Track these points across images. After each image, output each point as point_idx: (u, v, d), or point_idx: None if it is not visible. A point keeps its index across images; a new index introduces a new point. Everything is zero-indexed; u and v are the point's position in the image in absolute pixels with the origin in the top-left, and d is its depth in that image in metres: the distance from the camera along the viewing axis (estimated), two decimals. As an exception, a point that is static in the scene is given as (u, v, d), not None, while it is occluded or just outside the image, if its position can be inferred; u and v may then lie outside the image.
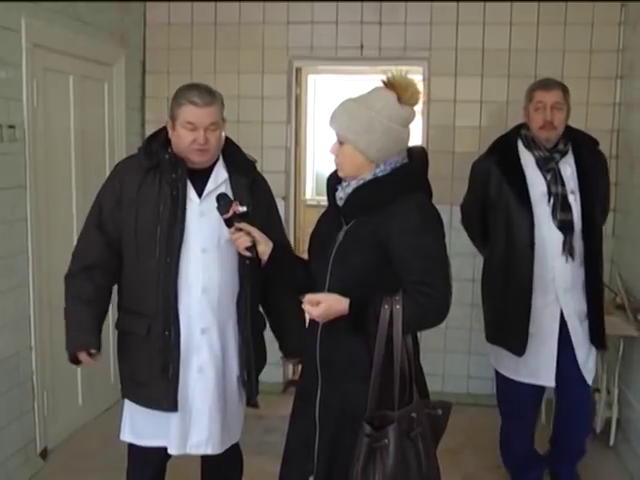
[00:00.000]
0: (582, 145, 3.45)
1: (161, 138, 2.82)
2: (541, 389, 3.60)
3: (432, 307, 2.26)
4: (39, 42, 3.91)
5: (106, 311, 2.88)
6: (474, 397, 5.10)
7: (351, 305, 2.28)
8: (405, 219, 2.28)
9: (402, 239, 2.27)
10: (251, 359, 2.90)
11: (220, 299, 2.80)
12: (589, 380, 3.47)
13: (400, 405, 2.28)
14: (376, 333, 2.24)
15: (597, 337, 3.45)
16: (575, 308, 3.42)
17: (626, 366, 4.14)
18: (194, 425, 2.81)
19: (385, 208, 2.31)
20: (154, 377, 2.75)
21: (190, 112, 2.68)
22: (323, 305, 2.29)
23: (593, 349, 3.48)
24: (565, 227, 3.36)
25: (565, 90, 3.45)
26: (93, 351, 2.77)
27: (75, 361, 2.81)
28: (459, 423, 4.44)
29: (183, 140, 2.71)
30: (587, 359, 3.45)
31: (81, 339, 2.77)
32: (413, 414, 2.28)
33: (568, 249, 3.35)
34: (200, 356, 2.79)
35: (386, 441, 2.23)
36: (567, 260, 3.36)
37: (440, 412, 2.37)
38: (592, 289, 3.43)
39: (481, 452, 4.32)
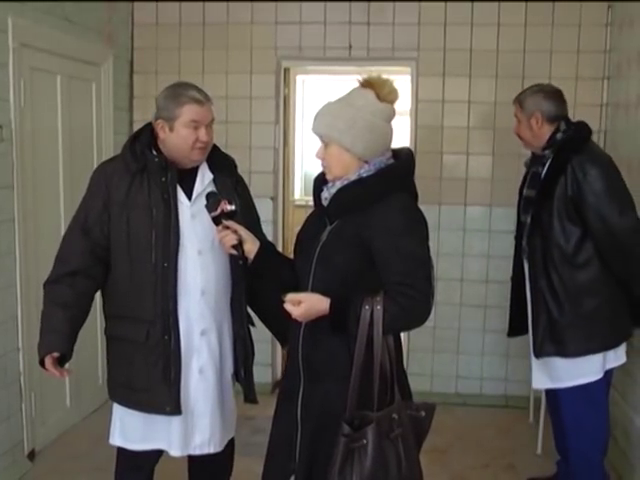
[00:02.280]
0: (562, 148, 3.35)
1: (144, 139, 2.77)
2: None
3: (413, 308, 2.27)
4: (26, 42, 3.89)
5: (84, 319, 2.77)
6: (462, 397, 5.12)
7: (332, 305, 2.29)
8: (388, 220, 2.28)
9: (384, 240, 2.27)
10: (249, 356, 2.92)
11: (217, 300, 2.80)
12: (535, 384, 3.53)
13: (382, 406, 2.28)
14: (357, 334, 2.25)
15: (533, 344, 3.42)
16: None
17: (623, 375, 3.90)
18: (196, 426, 2.80)
19: (369, 208, 2.31)
20: (155, 382, 2.72)
21: (194, 110, 2.68)
22: (304, 305, 2.30)
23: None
24: (523, 228, 3.48)
25: (521, 102, 3.47)
26: (56, 354, 2.61)
27: (42, 360, 2.65)
28: (447, 423, 4.49)
29: (186, 140, 2.69)
30: (540, 361, 3.41)
31: (47, 342, 2.64)
32: (394, 415, 2.29)
33: (523, 250, 3.49)
34: (200, 358, 2.79)
35: (364, 441, 2.23)
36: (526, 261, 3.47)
37: (423, 414, 2.37)
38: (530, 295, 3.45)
39: (469, 452, 4.33)
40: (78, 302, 2.73)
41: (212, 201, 2.60)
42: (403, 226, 2.29)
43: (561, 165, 3.25)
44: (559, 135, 3.35)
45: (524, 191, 3.51)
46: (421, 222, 2.35)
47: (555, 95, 3.43)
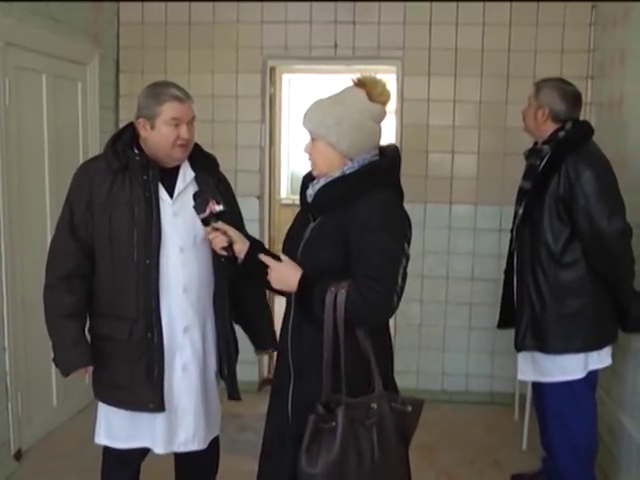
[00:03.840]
0: (560, 146, 3.33)
1: (126, 138, 2.78)
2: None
3: (373, 301, 2.26)
4: (11, 41, 3.88)
5: (86, 320, 2.86)
6: (448, 394, 5.15)
7: (300, 280, 2.34)
8: (365, 215, 2.29)
9: (359, 234, 2.29)
10: (232, 354, 2.93)
11: (200, 297, 2.82)
12: (520, 376, 3.57)
13: (359, 393, 2.29)
14: (323, 317, 2.27)
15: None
16: None
17: (609, 373, 3.85)
18: (180, 423, 2.82)
19: (350, 204, 2.33)
20: (138, 380, 2.74)
21: (174, 108, 2.69)
22: (278, 267, 2.41)
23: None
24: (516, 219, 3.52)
25: (538, 89, 3.44)
26: (91, 368, 2.77)
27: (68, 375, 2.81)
28: (433, 419, 4.51)
29: (167, 138, 2.70)
30: (526, 354, 3.47)
31: (78, 359, 2.75)
32: (373, 404, 2.30)
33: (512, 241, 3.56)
34: (183, 355, 2.80)
35: (334, 423, 2.24)
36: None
37: (410, 409, 2.37)
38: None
39: (455, 448, 4.36)
40: (80, 308, 2.79)
41: (200, 202, 2.58)
42: (379, 221, 2.29)
43: (556, 163, 3.25)
44: (561, 133, 3.34)
45: (520, 182, 3.52)
46: (401, 219, 2.36)
47: (572, 98, 3.40)
